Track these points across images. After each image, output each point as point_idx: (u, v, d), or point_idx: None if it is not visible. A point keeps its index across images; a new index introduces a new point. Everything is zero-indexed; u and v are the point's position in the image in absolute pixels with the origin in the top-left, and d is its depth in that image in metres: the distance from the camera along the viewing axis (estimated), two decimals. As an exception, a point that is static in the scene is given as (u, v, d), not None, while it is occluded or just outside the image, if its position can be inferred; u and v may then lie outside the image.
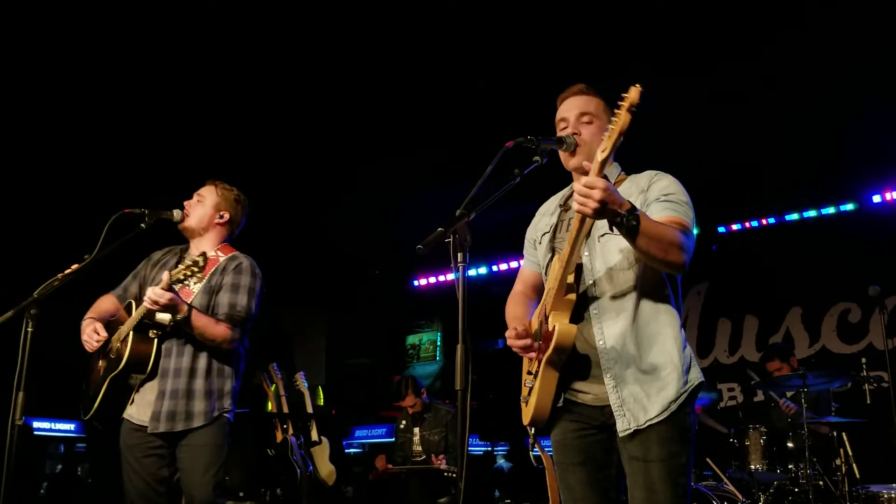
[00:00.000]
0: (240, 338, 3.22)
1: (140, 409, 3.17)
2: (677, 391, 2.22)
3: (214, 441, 3.14)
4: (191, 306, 3.09)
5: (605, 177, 2.04)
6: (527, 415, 2.35)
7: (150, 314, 3.07)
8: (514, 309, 2.58)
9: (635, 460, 2.21)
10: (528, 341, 2.31)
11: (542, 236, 2.56)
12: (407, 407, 6.16)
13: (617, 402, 2.24)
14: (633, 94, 1.97)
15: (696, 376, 2.27)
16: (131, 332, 3.11)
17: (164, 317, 3.08)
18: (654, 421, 2.19)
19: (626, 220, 2.01)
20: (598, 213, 1.99)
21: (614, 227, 2.09)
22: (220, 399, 3.18)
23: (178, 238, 3.48)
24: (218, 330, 3.14)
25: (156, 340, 3.15)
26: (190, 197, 3.43)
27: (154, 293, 2.96)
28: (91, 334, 3.19)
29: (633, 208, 2.03)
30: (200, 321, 3.09)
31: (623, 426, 2.22)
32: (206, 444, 3.13)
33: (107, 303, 3.38)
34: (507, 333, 2.35)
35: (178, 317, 3.03)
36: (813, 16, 4.55)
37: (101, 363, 3.26)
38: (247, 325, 3.25)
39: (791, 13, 4.52)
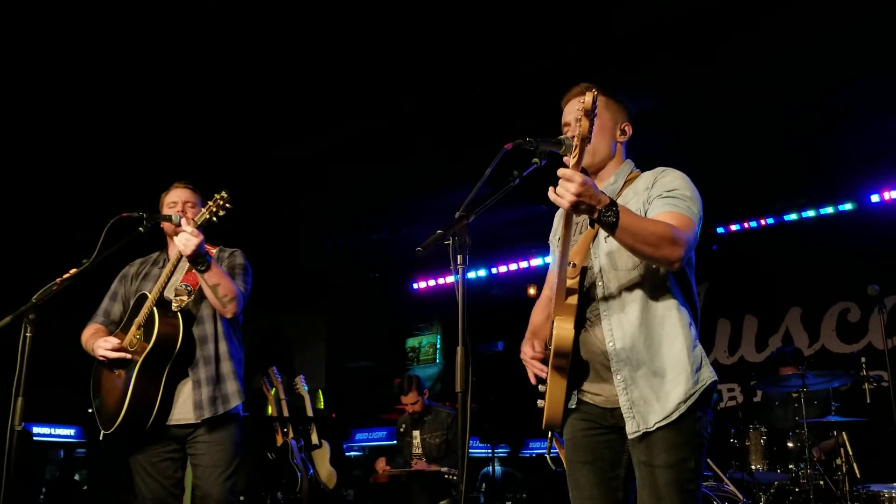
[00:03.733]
0: (242, 300, 3.26)
1: (180, 408, 3.17)
2: (686, 392, 2.20)
3: (231, 439, 3.20)
4: (209, 257, 3.16)
5: (584, 171, 2.06)
6: (543, 419, 2.35)
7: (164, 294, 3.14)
8: (536, 315, 2.58)
9: (643, 465, 2.21)
10: (542, 366, 2.33)
11: (557, 240, 2.57)
12: (408, 404, 6.13)
13: (627, 403, 2.23)
14: (587, 100, 1.98)
15: (707, 376, 2.25)
16: (155, 310, 3.11)
17: (182, 298, 3.19)
18: (662, 423, 2.18)
19: (604, 216, 2.02)
20: (575, 207, 2.02)
21: (596, 224, 2.09)
22: (240, 381, 3.30)
23: (148, 248, 3.48)
24: (231, 285, 3.21)
25: (180, 314, 3.17)
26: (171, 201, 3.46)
27: (185, 235, 3.04)
28: (103, 343, 3.16)
29: (612, 204, 2.03)
30: (217, 270, 3.18)
31: (632, 428, 2.22)
32: (223, 441, 3.17)
33: (94, 330, 3.36)
34: (524, 349, 2.38)
35: (201, 267, 3.11)
36: (812, 18, 4.55)
37: (117, 372, 3.21)
38: (245, 293, 3.32)
39: (789, 15, 4.52)
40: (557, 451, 2.49)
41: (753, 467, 4.94)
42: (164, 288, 3.17)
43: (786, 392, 5.54)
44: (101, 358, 3.19)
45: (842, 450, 4.78)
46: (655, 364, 2.23)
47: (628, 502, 2.32)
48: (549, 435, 2.42)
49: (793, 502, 4.80)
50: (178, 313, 3.16)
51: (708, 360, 2.30)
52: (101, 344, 3.18)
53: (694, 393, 2.20)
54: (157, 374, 3.13)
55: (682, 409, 2.18)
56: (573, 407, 2.35)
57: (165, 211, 3.39)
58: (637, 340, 2.24)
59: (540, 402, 2.35)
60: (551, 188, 2.05)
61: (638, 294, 2.27)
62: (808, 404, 4.85)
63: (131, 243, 3.12)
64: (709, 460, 5.03)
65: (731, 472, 5.01)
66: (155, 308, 3.12)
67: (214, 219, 3.17)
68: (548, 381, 2.28)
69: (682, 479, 2.17)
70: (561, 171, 2.02)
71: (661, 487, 2.16)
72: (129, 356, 3.16)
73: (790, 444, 5.03)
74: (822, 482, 4.73)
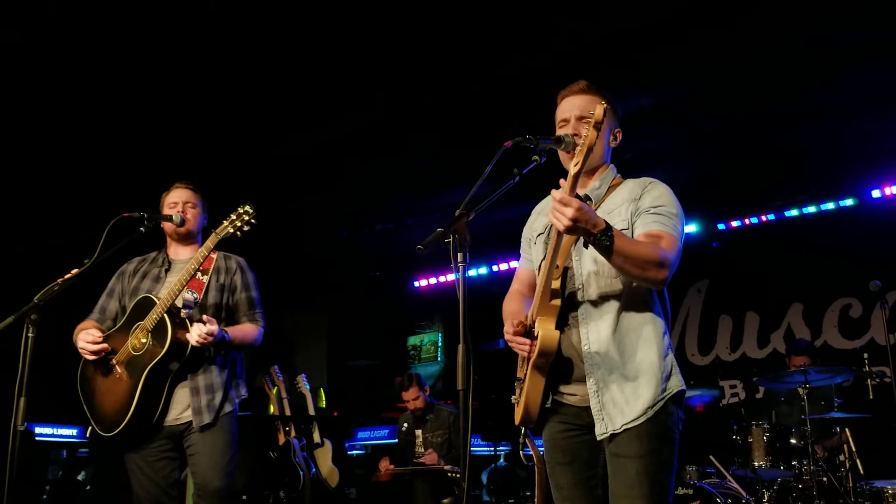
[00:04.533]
0: (263, 331, 3.40)
1: (176, 410, 3.19)
2: (654, 398, 2.25)
3: (227, 430, 3.22)
4: (225, 331, 3.22)
5: (578, 196, 2.10)
6: (517, 416, 2.39)
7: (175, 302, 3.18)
8: (510, 306, 2.60)
9: (615, 457, 2.25)
10: (525, 340, 2.33)
11: (536, 236, 2.60)
12: (409, 400, 6.13)
13: (597, 405, 2.27)
14: (598, 112, 2.06)
15: (676, 384, 2.31)
16: (167, 317, 3.11)
17: (188, 297, 3.21)
18: (630, 426, 2.23)
19: (599, 240, 2.08)
20: (570, 231, 2.08)
21: (589, 245, 2.13)
22: (237, 388, 3.34)
23: (147, 247, 3.49)
24: (252, 333, 3.35)
25: (188, 322, 3.18)
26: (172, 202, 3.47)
27: (201, 330, 3.10)
28: (84, 336, 3.18)
29: (608, 228, 2.08)
30: (237, 335, 3.29)
31: (601, 430, 2.26)
32: (219, 433, 3.19)
33: (85, 326, 3.36)
34: (505, 329, 2.38)
35: (219, 340, 3.17)
36: (811, 12, 4.54)
37: (117, 374, 3.21)
38: (263, 319, 3.43)
39: (789, 9, 4.52)
40: (529, 447, 2.52)
41: (756, 464, 4.93)
42: (175, 296, 3.16)
43: (789, 388, 5.53)
44: (80, 351, 3.21)
45: (845, 446, 4.78)
46: (628, 369, 2.27)
47: (607, 500, 2.34)
48: (523, 431, 2.45)
49: (796, 499, 4.79)
50: (187, 321, 3.18)
51: (678, 369, 2.35)
52: (82, 336, 3.20)
53: (661, 399, 2.26)
54: (162, 379, 3.15)
55: (649, 413, 2.24)
56: (549, 407, 2.38)
57: (166, 211, 3.40)
58: (611, 346, 2.28)
59: (514, 399, 2.38)
60: (549, 211, 2.09)
61: (616, 300, 2.31)
62: (811, 401, 4.84)
63: (132, 242, 3.13)
64: (711, 457, 5.03)
65: (733, 469, 5.00)
66: (166, 315, 3.11)
67: (238, 234, 3.19)
68: (526, 378, 2.31)
69: (652, 469, 2.21)
70: (556, 195, 2.06)
71: (631, 477, 2.20)
72: (108, 347, 3.20)
73: (793, 441, 5.02)
74: (825, 478, 4.72)
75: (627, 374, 2.26)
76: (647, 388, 2.24)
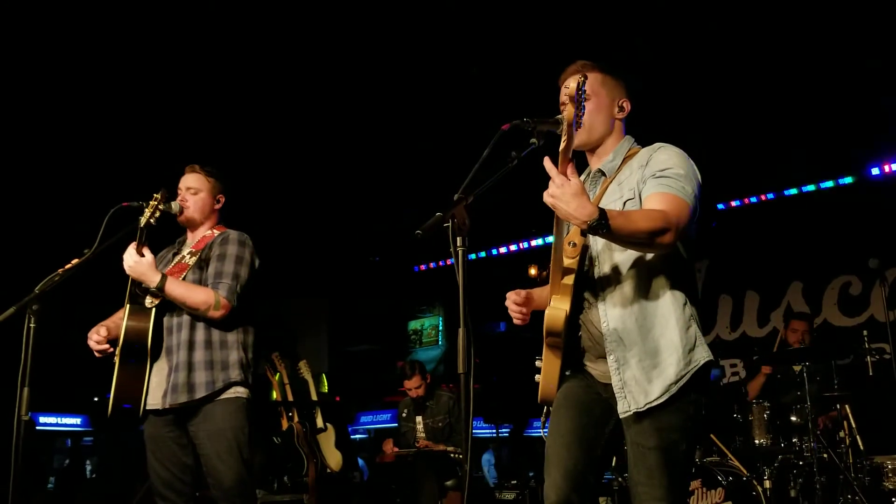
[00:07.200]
0: (227, 303, 3.08)
1: (154, 393, 3.12)
2: (678, 373, 2.19)
3: (230, 424, 3.07)
4: (164, 275, 3.05)
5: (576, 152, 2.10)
6: (539, 393, 2.38)
7: (138, 283, 3.09)
8: (538, 289, 2.60)
9: (636, 445, 2.23)
10: (522, 307, 2.39)
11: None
12: (411, 388, 6.14)
13: (619, 383, 2.24)
14: (571, 87, 2.00)
15: (701, 356, 2.23)
16: (127, 306, 3.06)
17: (153, 300, 3.10)
18: (654, 404, 2.18)
19: (594, 230, 2.02)
20: (555, 208, 2.04)
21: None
22: (225, 370, 3.10)
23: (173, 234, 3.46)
24: (196, 296, 3.06)
25: (153, 310, 3.08)
26: (176, 186, 3.39)
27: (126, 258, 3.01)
28: (92, 336, 3.14)
29: (601, 216, 2.00)
30: (176, 290, 3.05)
31: (623, 408, 2.23)
32: (223, 428, 3.06)
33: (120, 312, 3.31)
34: (508, 294, 2.42)
35: (152, 287, 3.02)
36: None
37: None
38: (234, 290, 3.12)
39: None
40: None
41: (757, 441, 4.96)
42: (133, 284, 3.10)
43: (789, 366, 5.54)
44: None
45: (845, 422, 4.81)
46: (648, 345, 2.22)
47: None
48: (545, 409, 2.44)
49: (797, 476, 4.82)
50: (153, 309, 3.09)
51: (703, 339, 2.28)
52: (92, 336, 3.15)
53: (686, 374, 2.19)
54: (139, 367, 3.09)
55: (673, 390, 2.18)
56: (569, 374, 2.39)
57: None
58: (629, 321, 2.24)
59: (538, 377, 2.38)
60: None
61: (632, 274, 2.27)
62: (810, 378, 4.86)
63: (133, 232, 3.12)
64: (712, 435, 5.05)
65: (734, 447, 5.03)
66: (127, 304, 3.07)
67: (152, 220, 3.08)
68: (543, 357, 2.31)
69: (672, 461, 2.19)
70: (550, 170, 2.02)
71: (653, 468, 2.18)
72: (109, 349, 3.13)
73: (793, 418, 5.04)
74: (825, 455, 4.75)
75: (648, 350, 2.21)
76: (670, 364, 2.19)
